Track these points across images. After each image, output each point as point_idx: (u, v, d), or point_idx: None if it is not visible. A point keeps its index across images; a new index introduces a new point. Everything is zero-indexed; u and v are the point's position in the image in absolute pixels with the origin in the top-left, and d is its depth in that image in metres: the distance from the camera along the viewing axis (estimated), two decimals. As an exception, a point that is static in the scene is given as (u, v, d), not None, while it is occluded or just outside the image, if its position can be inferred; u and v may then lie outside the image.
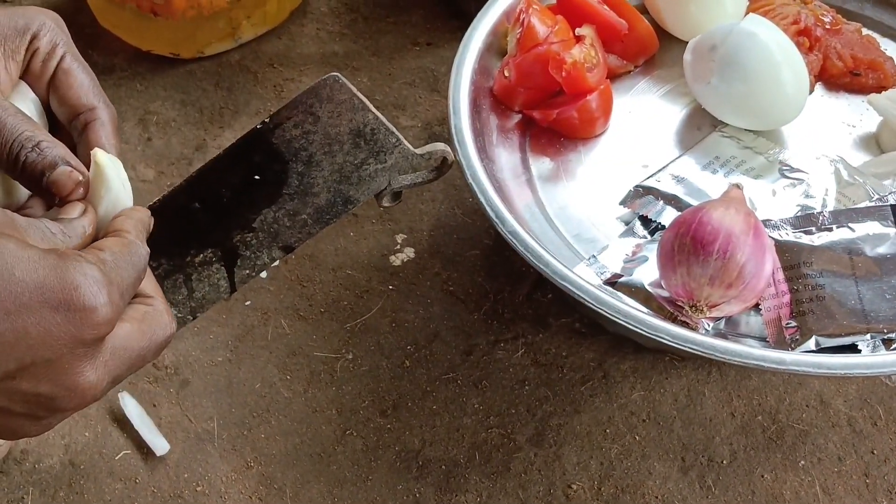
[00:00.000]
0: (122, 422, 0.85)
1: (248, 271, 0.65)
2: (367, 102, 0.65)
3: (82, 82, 0.59)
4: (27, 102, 0.59)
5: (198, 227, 0.64)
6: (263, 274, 0.92)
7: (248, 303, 0.93)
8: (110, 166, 0.56)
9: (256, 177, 0.65)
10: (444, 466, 0.83)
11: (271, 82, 1.12)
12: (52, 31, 0.59)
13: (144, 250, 0.55)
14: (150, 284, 0.56)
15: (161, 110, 1.09)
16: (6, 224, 0.50)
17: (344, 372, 0.89)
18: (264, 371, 0.89)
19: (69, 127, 0.60)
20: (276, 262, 0.65)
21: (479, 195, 0.82)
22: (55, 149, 0.55)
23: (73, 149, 0.57)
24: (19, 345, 0.47)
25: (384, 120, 0.65)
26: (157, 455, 0.83)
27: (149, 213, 0.58)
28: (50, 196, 0.55)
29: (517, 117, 0.96)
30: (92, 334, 0.49)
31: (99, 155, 0.56)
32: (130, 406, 0.85)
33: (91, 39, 1.14)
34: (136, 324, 0.53)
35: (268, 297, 0.93)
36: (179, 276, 0.64)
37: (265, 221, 0.64)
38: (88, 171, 0.56)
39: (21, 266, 0.47)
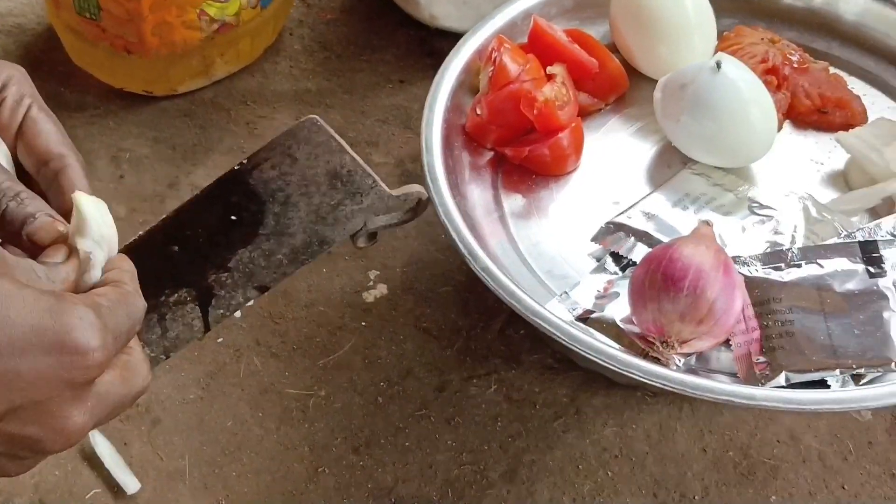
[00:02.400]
0: (93, 460, 0.84)
1: (222, 311, 0.65)
2: (345, 144, 0.65)
3: (50, 131, 0.59)
4: None
5: (173, 267, 0.64)
6: (238, 314, 0.92)
7: (220, 340, 0.92)
8: (92, 207, 0.55)
9: (233, 217, 0.65)
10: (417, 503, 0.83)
11: (244, 119, 1.12)
12: (20, 83, 0.59)
13: (142, 303, 0.55)
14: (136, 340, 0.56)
15: (133, 147, 1.09)
16: None
17: (316, 409, 0.88)
18: (236, 408, 0.88)
19: (37, 176, 0.59)
20: (251, 302, 0.65)
21: (452, 232, 0.83)
22: (35, 201, 0.55)
23: (45, 198, 0.57)
24: (11, 387, 0.47)
25: (361, 161, 0.66)
26: (128, 494, 0.83)
27: (131, 263, 0.58)
28: (30, 248, 0.55)
29: (489, 154, 0.96)
30: (83, 377, 0.49)
31: (81, 198, 0.55)
32: (101, 444, 0.84)
33: (63, 77, 1.13)
34: (119, 371, 0.53)
35: (240, 334, 0.93)
36: (154, 316, 0.64)
37: (241, 261, 0.64)
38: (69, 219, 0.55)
39: (16, 306, 0.47)
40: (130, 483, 0.83)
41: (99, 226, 0.55)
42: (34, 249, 0.55)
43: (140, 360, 0.55)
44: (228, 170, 0.65)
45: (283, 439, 0.87)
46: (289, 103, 1.15)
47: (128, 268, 0.57)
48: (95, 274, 0.55)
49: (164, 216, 0.65)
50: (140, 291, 0.56)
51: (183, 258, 0.64)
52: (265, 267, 0.65)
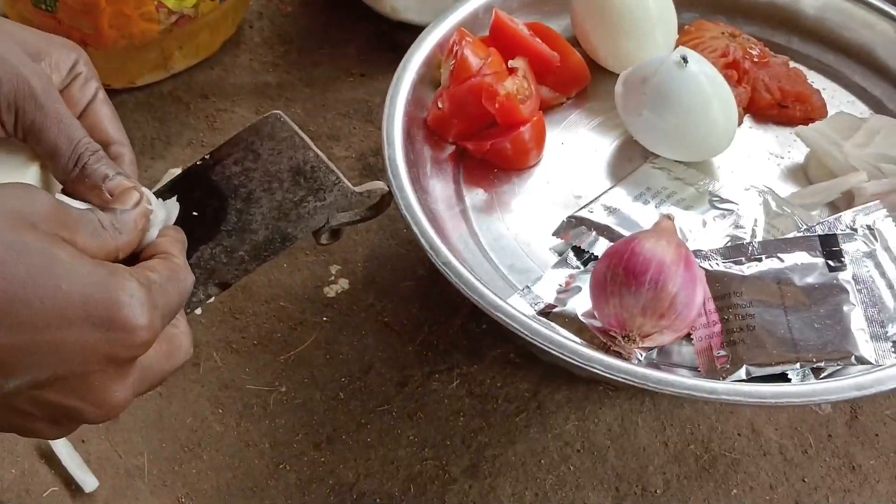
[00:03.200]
0: (50, 458, 0.83)
1: (183, 308, 0.64)
2: (308, 140, 0.65)
3: (113, 117, 0.61)
4: None
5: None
6: (198, 310, 0.91)
7: (179, 335, 0.91)
8: (154, 200, 0.59)
9: (195, 213, 0.64)
10: (378, 500, 0.83)
11: (204, 113, 1.11)
12: (89, 65, 0.61)
13: (191, 278, 0.56)
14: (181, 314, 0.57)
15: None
16: (59, 220, 0.49)
17: (277, 405, 0.88)
18: (196, 405, 0.88)
19: None
20: (212, 299, 0.65)
21: (414, 226, 0.82)
22: (110, 161, 0.57)
23: None
24: (55, 356, 0.47)
25: (324, 158, 0.65)
26: (86, 492, 0.82)
27: (184, 236, 0.59)
28: (102, 205, 0.56)
29: (451, 148, 0.96)
30: (128, 354, 0.49)
31: (144, 191, 0.57)
32: (58, 442, 0.83)
33: (20, 69, 1.12)
34: (165, 345, 0.53)
35: (200, 329, 0.92)
36: None
37: (202, 258, 0.64)
38: None
39: (69, 278, 0.47)
40: (88, 481, 0.82)
41: (160, 210, 0.59)
42: (106, 205, 0.56)
43: (184, 332, 0.56)
44: (190, 165, 0.65)
45: (243, 435, 0.86)
46: (249, 97, 1.14)
47: (180, 238, 0.58)
48: (153, 234, 0.57)
49: None
50: (188, 265, 0.57)
51: None
52: (227, 263, 0.64)
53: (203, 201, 0.64)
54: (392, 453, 0.86)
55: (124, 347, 0.49)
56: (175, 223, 0.63)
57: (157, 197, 0.61)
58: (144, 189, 0.58)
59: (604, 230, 0.87)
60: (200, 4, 1.07)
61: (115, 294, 0.48)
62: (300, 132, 0.65)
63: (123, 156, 0.60)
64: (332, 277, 0.97)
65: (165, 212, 0.60)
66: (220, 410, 0.87)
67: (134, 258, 0.56)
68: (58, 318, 0.46)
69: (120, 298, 0.48)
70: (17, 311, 0.46)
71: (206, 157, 0.64)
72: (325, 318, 0.94)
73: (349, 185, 0.66)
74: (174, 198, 0.62)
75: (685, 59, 0.89)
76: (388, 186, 0.70)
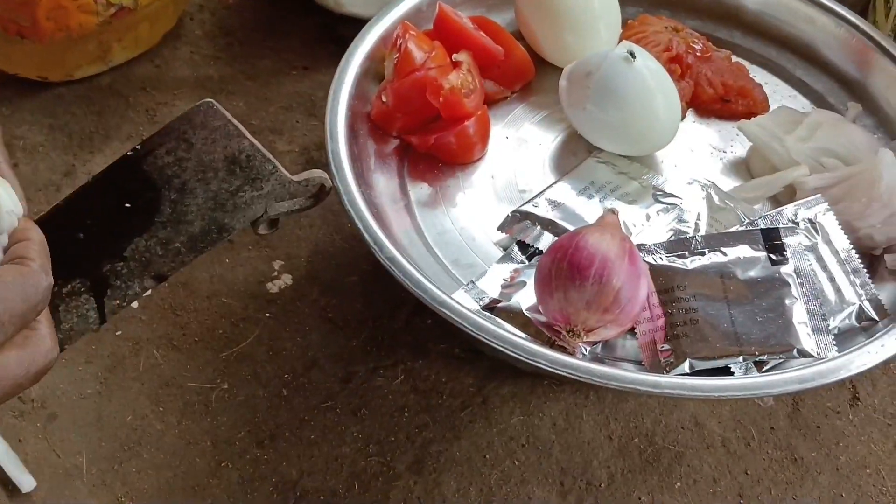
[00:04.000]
0: (-14, 458, 0.82)
1: (118, 301, 0.63)
2: (243, 129, 0.64)
3: None
4: None
5: (65, 257, 0.62)
6: (135, 304, 0.90)
7: (118, 333, 0.90)
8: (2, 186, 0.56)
9: (128, 204, 0.63)
10: (322, 497, 0.82)
11: (143, 106, 1.10)
12: None
13: (47, 281, 0.53)
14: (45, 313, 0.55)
15: (28, 135, 1.05)
16: None
17: (219, 402, 0.87)
18: (136, 403, 0.86)
19: None
20: (149, 292, 0.63)
21: (357, 221, 0.82)
22: None
23: None
24: None
25: (260, 146, 0.64)
26: (23, 492, 0.80)
27: (39, 231, 0.57)
28: None
29: (395, 143, 0.95)
30: None
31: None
32: (-5, 442, 0.82)
33: (-46, 61, 1.10)
34: (16, 350, 0.52)
35: (139, 326, 0.91)
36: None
37: (137, 250, 0.63)
38: None
39: None
40: (25, 481, 0.80)
41: (7, 199, 0.56)
42: None
43: (44, 335, 0.54)
44: (121, 155, 0.63)
45: (184, 434, 0.85)
46: (190, 90, 1.12)
47: (36, 238, 0.56)
48: (2, 240, 0.55)
49: (55, 204, 0.63)
50: (48, 266, 0.55)
51: (76, 247, 0.62)
52: (162, 255, 0.63)
53: (136, 192, 0.63)
54: (336, 450, 0.85)
55: None
56: (107, 215, 0.62)
57: None
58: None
59: (548, 225, 0.87)
60: (140, -4, 1.06)
61: None
62: (234, 120, 0.64)
63: None
64: (276, 273, 0.96)
65: (14, 204, 0.57)
66: (161, 408, 0.86)
67: None
68: None
69: None
70: None
71: (137, 147, 0.63)
72: (268, 315, 0.93)
73: (286, 173, 0.65)
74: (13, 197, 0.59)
75: (632, 55, 0.89)
76: (332, 181, 0.70)
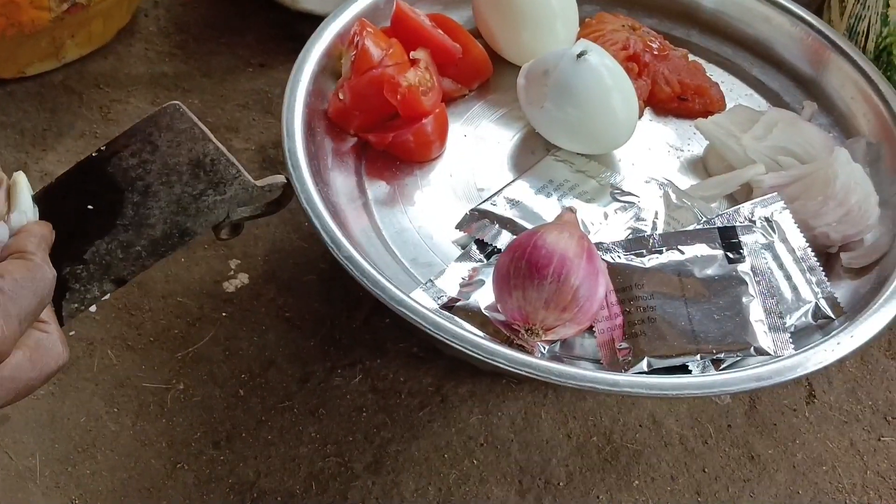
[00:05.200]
0: (-64, 462, 0.80)
1: (76, 305, 0.62)
2: (208, 132, 0.63)
3: None
4: None
5: None
6: (93, 308, 0.89)
7: (72, 333, 0.89)
8: (25, 184, 0.57)
9: (90, 206, 0.62)
10: (279, 498, 0.81)
11: (97, 103, 1.08)
12: None
13: (51, 274, 0.53)
14: (47, 309, 0.54)
15: (-21, 132, 1.04)
16: None
17: (175, 403, 0.86)
18: (90, 404, 0.85)
19: None
20: (108, 296, 0.63)
21: (314, 219, 0.81)
22: None
23: None
24: None
25: (224, 150, 0.64)
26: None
27: (50, 227, 0.58)
28: None
29: (353, 141, 0.95)
30: None
31: (18, 175, 0.57)
32: (-55, 445, 0.81)
33: None
34: (28, 352, 0.51)
35: (93, 326, 0.89)
36: None
37: (97, 253, 0.62)
38: None
39: None
40: (-24, 485, 0.79)
41: (24, 195, 0.58)
42: None
43: (55, 338, 0.54)
44: (86, 157, 0.62)
45: (139, 435, 0.84)
46: (144, 87, 1.11)
47: (36, 230, 0.56)
48: (3, 233, 0.56)
49: None
50: (48, 260, 0.55)
51: None
52: (123, 259, 0.62)
53: (98, 194, 0.62)
54: (293, 451, 0.84)
55: None
56: (68, 217, 0.61)
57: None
58: (19, 174, 0.57)
59: (507, 223, 0.87)
60: (93, -9, 1.04)
61: None
62: (200, 124, 0.63)
63: None
64: (232, 272, 0.95)
65: (30, 208, 0.58)
66: (116, 409, 0.85)
67: None
68: None
69: None
70: None
71: (102, 148, 0.62)
72: (224, 314, 0.92)
73: (250, 178, 0.64)
74: (31, 200, 0.59)
75: (581, 55, 0.89)
76: (289, 179, 0.69)
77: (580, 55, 0.90)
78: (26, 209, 0.57)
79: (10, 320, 0.48)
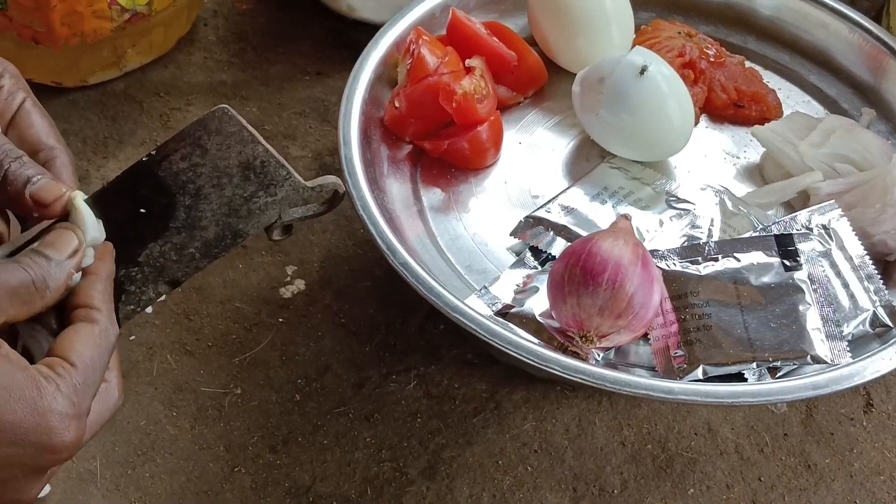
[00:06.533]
0: (0, 463, 0.82)
1: (132, 307, 0.63)
2: (257, 135, 0.64)
3: (42, 123, 0.61)
4: None
5: None
6: (149, 309, 0.90)
7: (132, 338, 0.90)
8: (86, 208, 0.58)
9: (142, 210, 0.63)
10: (335, 502, 0.82)
11: (157, 112, 1.10)
12: (15, 75, 0.61)
13: (114, 332, 0.55)
14: (113, 358, 0.56)
15: (42, 140, 1.06)
16: None
17: (232, 407, 0.87)
18: (149, 408, 0.86)
19: None
20: (163, 297, 0.64)
21: (370, 226, 0.82)
22: (35, 165, 0.56)
23: None
24: None
25: (274, 152, 0.64)
26: (38, 497, 0.80)
27: (112, 250, 0.60)
28: (28, 210, 0.56)
29: (408, 148, 0.96)
30: (53, 463, 0.50)
31: (77, 198, 0.58)
32: (8, 446, 0.82)
33: (-31, 67, 1.10)
34: (97, 404, 0.53)
35: (153, 331, 0.91)
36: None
37: (151, 256, 0.63)
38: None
39: None
40: (39, 486, 0.80)
41: (93, 227, 0.58)
42: (32, 213, 0.56)
43: (114, 385, 0.55)
44: (136, 161, 0.63)
45: (197, 438, 0.85)
46: (203, 95, 1.12)
47: (103, 273, 0.57)
48: (78, 277, 0.57)
49: None
50: (113, 312, 0.57)
51: None
52: (177, 261, 0.63)
53: (150, 198, 0.63)
54: (349, 455, 0.85)
55: (50, 461, 0.50)
56: (121, 221, 0.62)
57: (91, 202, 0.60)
58: (78, 194, 0.58)
59: (561, 230, 0.87)
60: (154, 2, 1.06)
61: (45, 420, 0.48)
62: (248, 126, 0.64)
63: (54, 159, 0.60)
64: (289, 278, 0.96)
65: (98, 232, 0.59)
66: (174, 413, 0.86)
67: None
68: None
69: (50, 423, 0.48)
70: None
71: (153, 152, 0.63)
72: (280, 320, 0.93)
73: (300, 179, 0.65)
74: (94, 218, 0.60)
75: (643, 70, 0.89)
76: (345, 186, 0.70)
77: (642, 71, 0.89)
78: (96, 234, 0.59)
79: (83, 419, 0.50)
